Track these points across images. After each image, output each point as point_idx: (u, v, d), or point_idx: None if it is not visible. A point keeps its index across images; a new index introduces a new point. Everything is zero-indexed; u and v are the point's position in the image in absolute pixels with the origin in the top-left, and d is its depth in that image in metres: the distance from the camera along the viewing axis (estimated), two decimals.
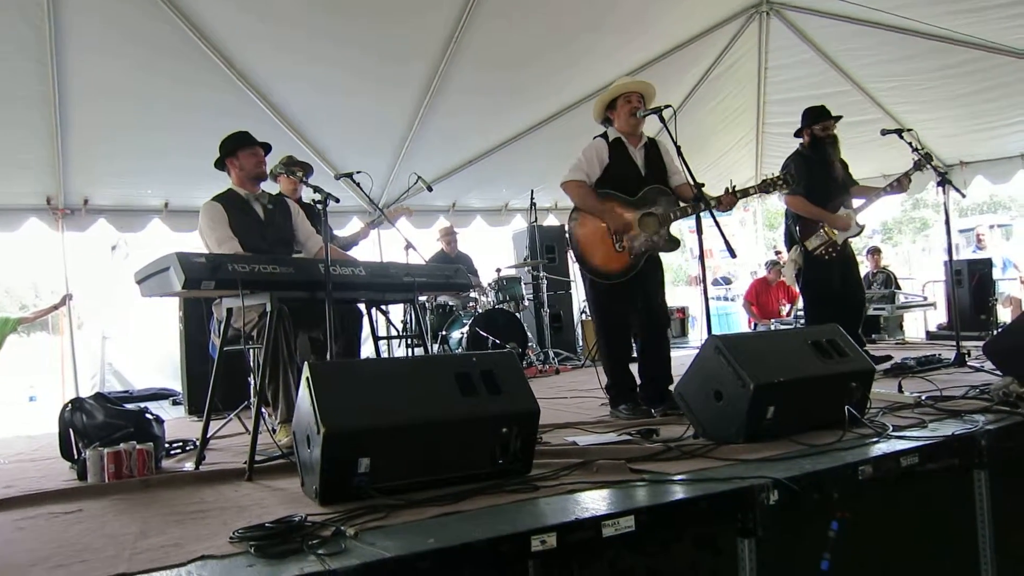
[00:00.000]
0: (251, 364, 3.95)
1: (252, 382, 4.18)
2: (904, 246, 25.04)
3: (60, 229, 7.46)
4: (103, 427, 3.54)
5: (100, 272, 8.70)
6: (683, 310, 11.20)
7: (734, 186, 4.33)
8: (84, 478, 3.31)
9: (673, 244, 4.41)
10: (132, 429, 3.51)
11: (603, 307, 4.42)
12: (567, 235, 4.44)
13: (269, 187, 4.59)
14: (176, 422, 5.64)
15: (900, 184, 5.67)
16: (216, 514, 2.58)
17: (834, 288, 5.49)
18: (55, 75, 6.04)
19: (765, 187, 4.48)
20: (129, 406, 3.81)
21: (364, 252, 6.25)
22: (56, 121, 6.46)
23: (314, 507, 2.47)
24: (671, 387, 4.31)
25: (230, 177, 4.31)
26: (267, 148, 4.38)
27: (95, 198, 7.58)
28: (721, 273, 14.26)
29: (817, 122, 5.62)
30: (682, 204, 4.37)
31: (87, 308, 8.57)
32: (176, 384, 7.26)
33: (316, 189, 3.54)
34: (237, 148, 4.26)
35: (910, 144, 5.60)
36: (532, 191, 8.79)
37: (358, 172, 4.49)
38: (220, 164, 4.33)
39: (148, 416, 3.67)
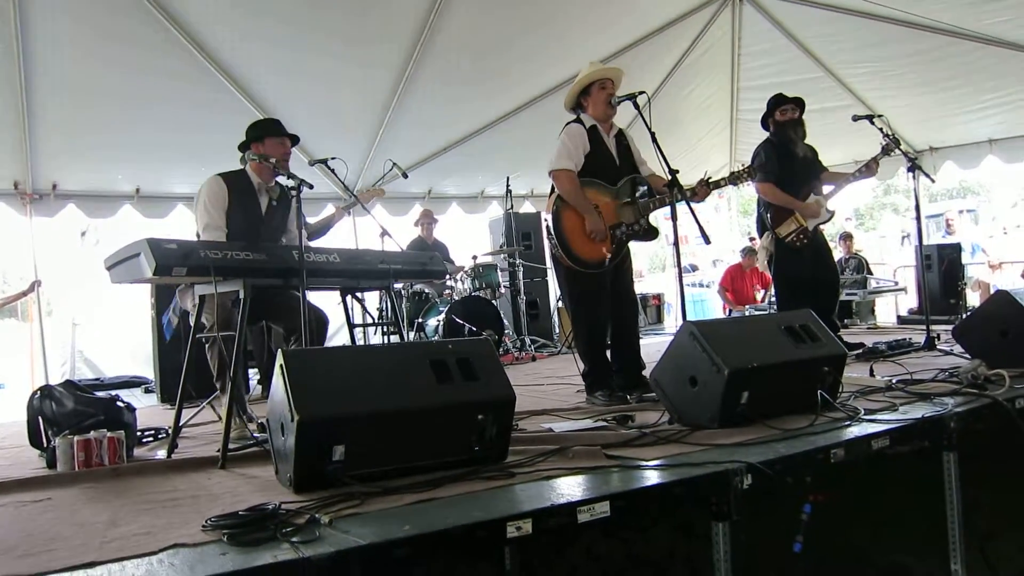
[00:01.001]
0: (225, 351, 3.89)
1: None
2: (880, 230, 25.32)
3: (28, 214, 7.31)
4: (73, 415, 3.48)
5: (70, 258, 8.55)
6: (659, 296, 11.26)
7: (708, 177, 4.37)
8: (53, 466, 3.26)
9: (652, 233, 4.43)
10: (103, 417, 3.45)
11: (579, 296, 4.41)
12: (548, 225, 4.39)
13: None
14: (148, 410, 5.57)
15: (868, 169, 5.72)
16: (188, 502, 2.55)
17: (805, 274, 5.53)
18: (20, 56, 5.90)
19: (734, 179, 4.60)
20: (100, 394, 3.75)
21: (339, 239, 6.16)
22: (23, 104, 6.31)
23: (288, 495, 2.44)
24: (644, 372, 4.35)
25: (245, 165, 4.16)
26: (295, 140, 4.28)
27: (64, 183, 7.44)
28: (689, 260, 14.34)
29: (778, 107, 5.65)
30: (658, 194, 4.37)
31: (57, 294, 8.43)
32: (148, 371, 7.18)
33: (290, 175, 3.49)
34: (266, 134, 4.13)
35: (881, 130, 5.65)
36: (508, 178, 8.76)
37: (333, 158, 4.45)
38: (244, 147, 4.20)
39: (119, 404, 3.61)
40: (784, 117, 5.62)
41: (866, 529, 2.86)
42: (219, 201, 4.00)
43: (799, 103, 5.67)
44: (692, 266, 13.85)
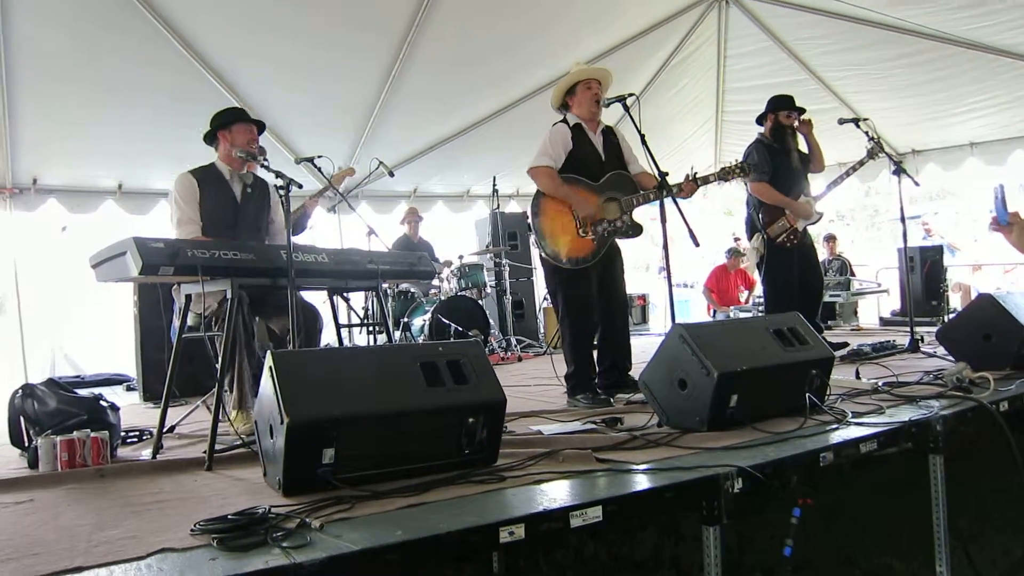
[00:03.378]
0: (211, 351, 3.87)
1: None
2: (859, 231, 25.49)
3: (8, 209, 7.23)
4: (55, 414, 3.44)
5: (51, 254, 8.45)
6: (644, 297, 11.28)
7: (695, 173, 4.37)
8: (35, 467, 3.20)
9: (636, 230, 4.42)
10: (86, 416, 3.41)
11: (566, 294, 4.39)
12: (529, 221, 4.42)
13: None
14: (131, 409, 5.50)
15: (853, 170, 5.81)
16: (175, 505, 2.52)
17: (794, 275, 5.56)
18: (1, 47, 5.81)
19: (724, 175, 4.53)
20: (82, 392, 3.71)
21: (324, 238, 6.11)
22: (3, 97, 6.23)
23: (277, 498, 2.42)
24: (631, 373, 4.35)
25: (216, 152, 4.20)
26: (261, 127, 4.28)
27: (45, 178, 7.36)
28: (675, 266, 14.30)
29: (783, 109, 5.67)
30: (644, 190, 4.38)
31: (37, 290, 8.32)
32: (130, 369, 7.10)
33: (278, 174, 3.46)
34: (232, 121, 4.14)
35: (866, 133, 5.69)
36: (495, 177, 8.74)
37: (319, 156, 4.41)
38: (209, 138, 4.20)
39: (103, 403, 3.57)
40: (788, 121, 5.64)
41: (853, 532, 2.88)
42: (190, 196, 4.00)
43: (800, 112, 5.71)
44: (685, 283, 13.80)
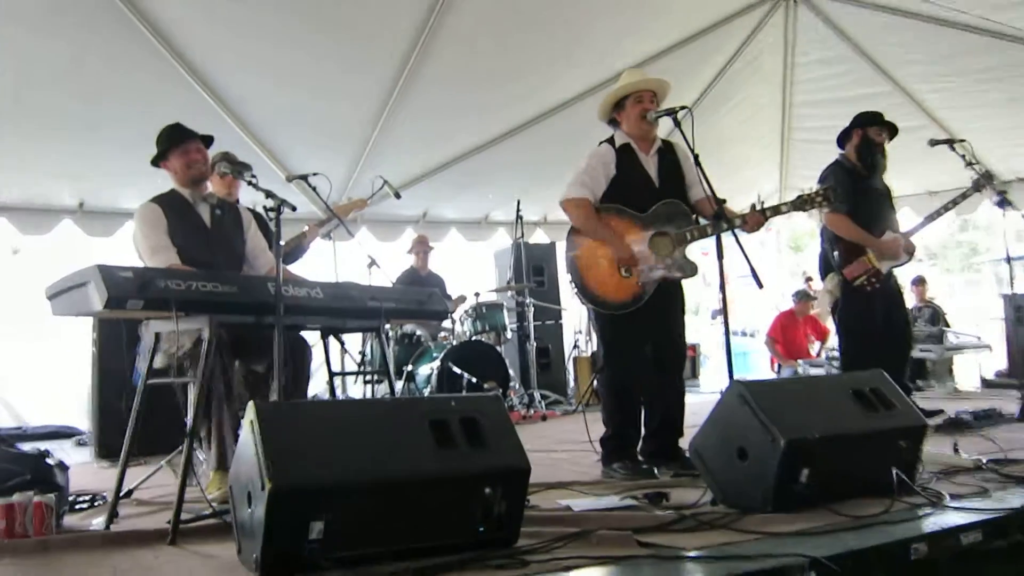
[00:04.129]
0: (181, 400, 3.89)
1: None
2: (953, 274, 25.31)
3: None
4: None
5: None
6: (694, 347, 11.21)
7: (763, 203, 4.34)
8: None
9: (688, 270, 4.41)
10: (29, 476, 3.40)
11: (607, 338, 4.40)
12: (567, 254, 4.40)
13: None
14: (82, 468, 5.51)
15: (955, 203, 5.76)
16: None
17: (876, 325, 5.50)
18: None
19: (801, 204, 4.38)
20: (24, 446, 3.71)
21: (318, 270, 6.14)
22: None
23: None
24: (680, 441, 4.30)
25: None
26: (208, 140, 4.36)
27: None
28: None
29: (872, 124, 5.63)
30: (701, 222, 4.36)
31: None
32: (81, 420, 7.12)
33: (269, 194, 3.49)
34: (168, 149, 4.25)
35: (963, 157, 5.66)
36: (519, 201, 8.78)
37: (314, 174, 4.47)
38: (155, 163, 4.33)
39: (49, 461, 3.57)
40: (879, 139, 5.61)
41: None
42: (157, 223, 4.10)
43: (892, 130, 5.69)
44: (744, 331, 13.70)
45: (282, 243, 5.81)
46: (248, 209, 4.84)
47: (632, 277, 4.28)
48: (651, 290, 4.31)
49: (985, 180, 5.59)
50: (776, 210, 4.37)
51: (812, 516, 2.95)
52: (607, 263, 4.31)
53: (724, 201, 4.19)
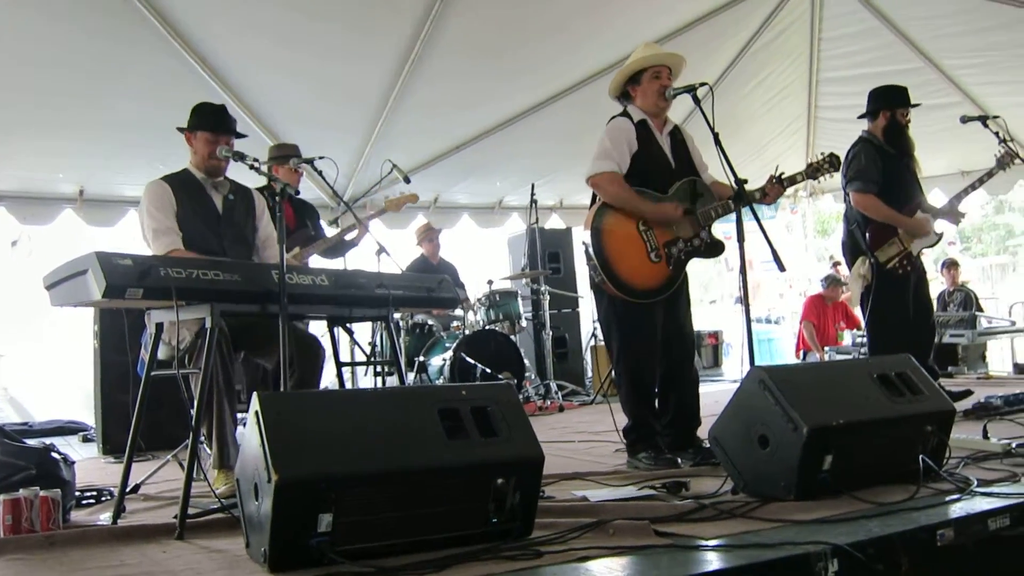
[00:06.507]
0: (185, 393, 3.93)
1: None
2: (988, 257, 25.14)
3: None
4: None
5: None
6: (716, 335, 11.18)
7: (780, 173, 4.34)
8: None
9: (716, 249, 4.45)
10: (35, 471, 3.45)
11: (623, 331, 4.38)
12: (587, 244, 4.35)
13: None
14: (88, 463, 5.59)
15: (952, 214, 5.74)
16: None
17: (909, 310, 5.49)
18: None
19: (812, 172, 4.49)
20: (30, 442, 3.77)
21: (325, 259, 6.17)
22: None
23: (262, 574, 2.44)
24: (699, 430, 4.32)
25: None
26: (237, 135, 4.35)
27: None
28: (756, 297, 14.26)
29: (900, 106, 5.61)
30: (723, 200, 4.36)
31: None
32: (87, 415, 7.20)
33: (272, 178, 3.52)
34: (198, 127, 4.26)
35: (996, 134, 5.63)
36: (533, 185, 8.75)
37: (320, 158, 4.48)
38: (184, 130, 4.35)
39: (55, 455, 3.62)
40: (904, 120, 5.59)
41: None
42: (165, 204, 4.12)
43: (914, 107, 5.68)
44: (769, 318, 13.63)
45: (326, 237, 5.91)
46: (272, 194, 4.85)
47: (661, 262, 4.29)
48: (680, 276, 4.32)
49: (1010, 157, 5.55)
50: (792, 180, 4.40)
51: (835, 504, 2.97)
52: (638, 246, 4.28)
53: (746, 181, 4.19)
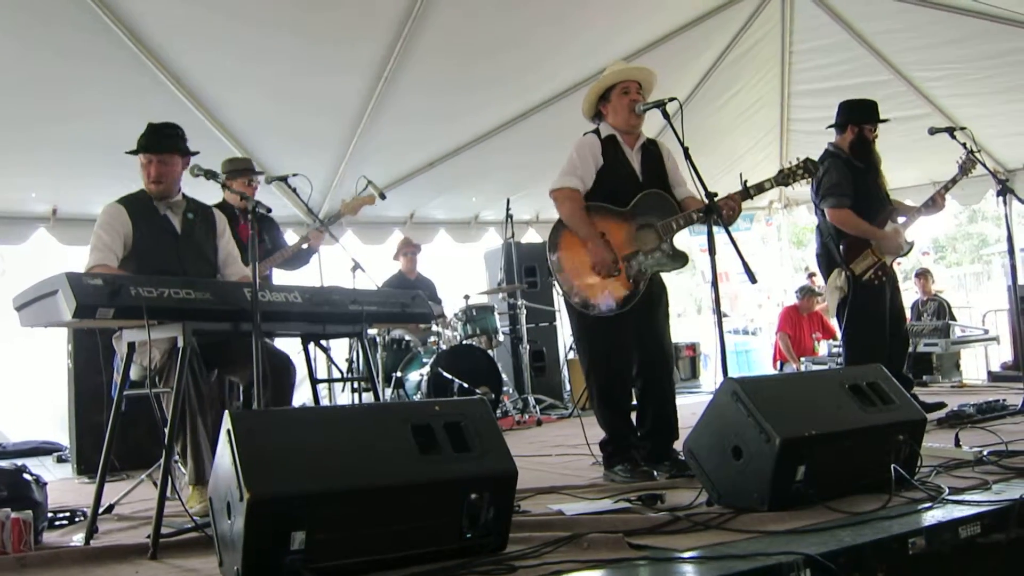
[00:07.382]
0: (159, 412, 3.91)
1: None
2: (962, 266, 25.39)
3: None
4: None
5: None
6: (693, 347, 11.22)
7: (745, 181, 4.37)
8: None
9: (678, 260, 4.42)
10: (6, 493, 3.43)
11: (595, 344, 4.39)
12: (548, 254, 4.42)
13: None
14: (62, 484, 5.55)
15: (934, 203, 5.78)
16: None
17: (885, 320, 5.54)
18: None
19: (783, 179, 4.50)
20: (2, 463, 3.73)
21: (300, 273, 6.16)
22: None
23: None
24: (676, 442, 4.33)
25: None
26: (170, 153, 4.29)
27: None
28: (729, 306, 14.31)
29: (868, 121, 5.67)
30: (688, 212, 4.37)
31: None
32: (62, 436, 7.14)
33: (243, 196, 3.52)
34: (140, 149, 4.25)
35: (963, 145, 5.70)
36: (508, 200, 8.81)
37: (294, 175, 4.48)
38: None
39: (26, 477, 3.59)
40: (872, 136, 5.65)
41: None
42: (114, 225, 4.13)
43: (883, 122, 5.75)
44: (746, 329, 13.67)
45: (283, 248, 5.89)
46: (243, 211, 4.82)
47: (621, 275, 4.29)
48: (644, 288, 4.32)
49: (972, 161, 5.63)
50: (760, 187, 4.44)
51: (808, 514, 2.97)
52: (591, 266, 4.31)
53: (715, 195, 4.21)
